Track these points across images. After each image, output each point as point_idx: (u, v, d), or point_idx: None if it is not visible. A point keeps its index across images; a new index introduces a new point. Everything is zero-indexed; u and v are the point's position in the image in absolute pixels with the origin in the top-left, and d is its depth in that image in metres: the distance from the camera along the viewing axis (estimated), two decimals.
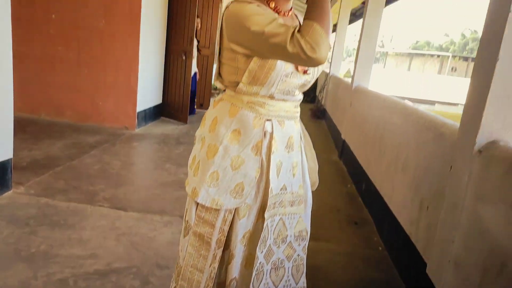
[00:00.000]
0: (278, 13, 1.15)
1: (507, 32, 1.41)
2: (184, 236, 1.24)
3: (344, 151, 4.66)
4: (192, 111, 6.04)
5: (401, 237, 2.26)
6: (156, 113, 5.50)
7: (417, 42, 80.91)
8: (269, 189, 1.16)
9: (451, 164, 1.70)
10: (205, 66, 6.54)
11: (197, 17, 5.27)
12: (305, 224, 1.28)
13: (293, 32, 0.93)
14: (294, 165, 1.23)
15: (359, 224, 2.92)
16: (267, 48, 1.00)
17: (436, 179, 1.90)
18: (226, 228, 1.17)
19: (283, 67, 1.09)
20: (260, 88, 1.12)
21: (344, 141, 4.71)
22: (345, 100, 5.10)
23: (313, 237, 1.44)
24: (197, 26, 5.49)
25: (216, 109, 1.22)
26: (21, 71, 2.66)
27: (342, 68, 16.81)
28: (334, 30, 9.16)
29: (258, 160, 1.15)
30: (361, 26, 4.60)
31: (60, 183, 2.95)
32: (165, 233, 2.36)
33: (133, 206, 2.71)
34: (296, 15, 1.29)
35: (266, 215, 1.16)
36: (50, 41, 4.53)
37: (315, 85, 10.24)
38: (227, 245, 1.21)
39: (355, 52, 5.08)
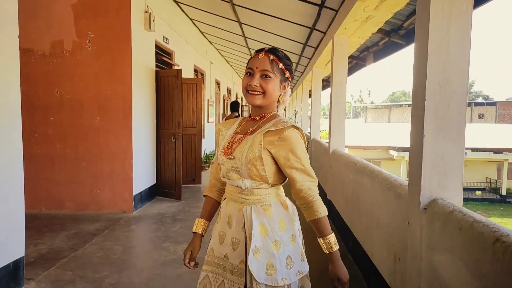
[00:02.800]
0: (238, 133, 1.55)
1: (427, 112, 1.82)
2: None
3: (331, 211, 4.94)
4: None
5: None
6: (151, 193, 5.79)
7: (393, 93, 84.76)
8: (209, 248, 1.58)
9: (408, 220, 2.02)
10: (194, 144, 6.98)
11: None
12: None
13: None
14: (235, 241, 1.49)
15: (350, 280, 3.13)
16: None
17: (401, 233, 2.21)
18: None
19: (218, 154, 1.55)
20: None
21: (330, 201, 5.02)
22: (325, 162, 5.50)
23: None
24: None
25: None
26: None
27: (324, 125, 17.49)
28: (310, 96, 9.87)
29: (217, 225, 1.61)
30: (329, 96, 5.14)
31: (67, 275, 3.15)
32: None
33: None
34: (266, 132, 1.43)
35: (203, 267, 1.57)
36: (49, 141, 4.94)
37: None
38: None
39: None
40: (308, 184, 1.44)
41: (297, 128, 1.45)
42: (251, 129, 1.51)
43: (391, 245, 2.41)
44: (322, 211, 1.43)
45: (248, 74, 1.48)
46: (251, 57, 1.51)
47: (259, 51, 1.51)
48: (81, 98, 4.87)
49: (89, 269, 3.27)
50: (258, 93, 1.46)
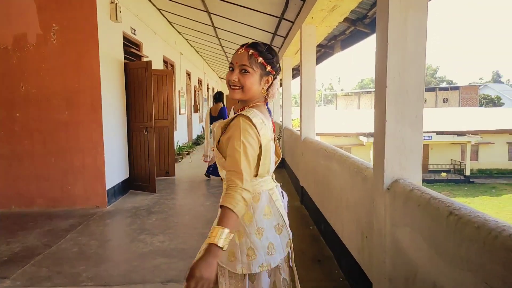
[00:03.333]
0: None
1: (388, 99, 1.94)
2: None
3: (303, 196, 5.09)
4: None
5: (354, 266, 2.65)
6: (125, 187, 5.76)
7: (362, 80, 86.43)
8: None
9: (374, 200, 2.16)
10: (166, 136, 6.95)
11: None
12: None
13: None
14: None
15: (322, 261, 3.29)
16: None
17: (367, 213, 2.35)
18: None
19: None
20: None
21: (302, 187, 5.17)
22: (297, 150, 5.64)
23: None
24: None
25: None
26: None
27: (296, 114, 17.75)
28: (281, 85, 9.98)
29: None
30: (299, 86, 5.25)
31: (43, 271, 3.13)
32: None
33: (116, 280, 2.94)
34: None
35: None
36: (16, 138, 4.81)
37: None
38: None
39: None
40: (231, 174, 1.37)
41: (245, 116, 1.45)
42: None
43: (359, 225, 2.55)
44: (227, 202, 1.30)
45: (230, 69, 1.54)
46: (234, 52, 1.56)
47: (241, 46, 1.55)
48: (48, 92, 4.76)
49: (65, 264, 3.27)
50: (237, 87, 1.51)
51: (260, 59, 1.50)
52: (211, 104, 19.16)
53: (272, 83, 1.57)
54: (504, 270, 1.12)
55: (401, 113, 1.93)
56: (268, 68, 1.52)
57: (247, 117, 1.44)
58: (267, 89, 1.57)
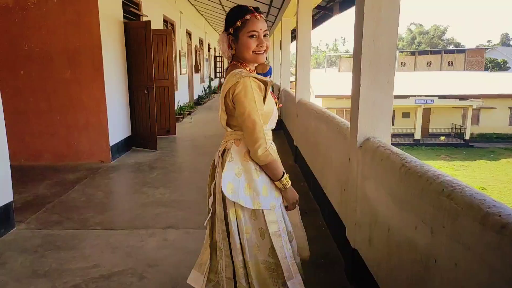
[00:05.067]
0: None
1: (363, 64, 2.13)
2: None
3: (297, 155, 5.37)
4: None
5: (334, 216, 2.95)
6: (128, 144, 6.03)
7: None
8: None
9: (349, 157, 2.41)
10: (166, 96, 7.14)
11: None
12: None
13: None
14: None
15: (308, 213, 3.59)
16: None
17: (345, 168, 2.60)
18: None
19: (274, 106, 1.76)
20: None
21: (296, 147, 5.44)
22: (293, 111, 5.85)
23: None
24: None
25: None
26: None
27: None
28: (280, 48, 9.99)
29: None
30: (295, 50, 5.37)
31: (55, 217, 3.46)
32: (151, 242, 2.94)
33: (121, 225, 3.27)
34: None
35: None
36: (20, 95, 5.02)
37: None
38: None
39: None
40: None
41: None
42: None
43: (339, 179, 2.82)
44: None
45: (254, 36, 1.60)
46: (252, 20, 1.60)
47: (256, 11, 1.64)
48: (50, 51, 4.91)
49: (74, 211, 3.59)
50: (263, 52, 1.64)
51: None
52: (212, 65, 19.13)
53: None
54: (433, 209, 1.38)
55: (374, 78, 2.13)
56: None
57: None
58: None
